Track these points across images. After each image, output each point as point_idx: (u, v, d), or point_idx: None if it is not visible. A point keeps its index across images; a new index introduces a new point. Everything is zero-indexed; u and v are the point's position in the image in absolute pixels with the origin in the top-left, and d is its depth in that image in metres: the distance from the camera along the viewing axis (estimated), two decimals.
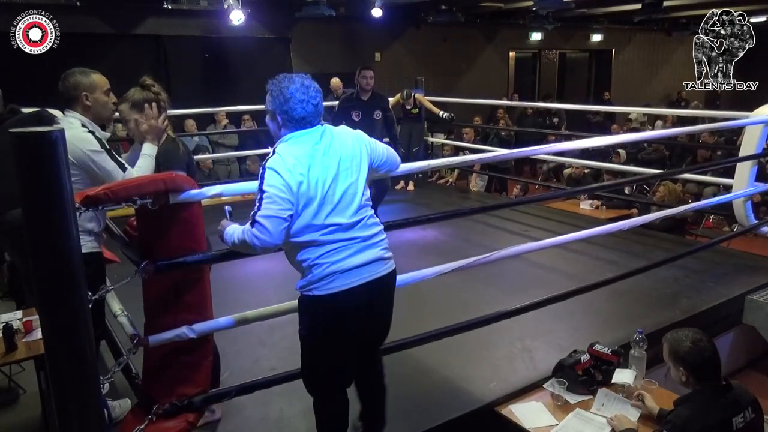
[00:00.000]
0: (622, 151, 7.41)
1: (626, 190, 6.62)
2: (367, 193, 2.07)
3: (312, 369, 2.12)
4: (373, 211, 2.09)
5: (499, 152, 5.44)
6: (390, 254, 2.10)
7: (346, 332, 2.05)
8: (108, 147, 2.34)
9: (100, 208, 1.85)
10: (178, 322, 2.10)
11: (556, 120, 11.45)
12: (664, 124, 10.12)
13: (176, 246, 2.05)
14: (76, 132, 2.28)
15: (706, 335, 2.26)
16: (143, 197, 1.90)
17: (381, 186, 4.87)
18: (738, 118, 4.48)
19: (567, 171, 8.23)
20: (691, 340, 2.21)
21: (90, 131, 2.33)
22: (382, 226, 2.11)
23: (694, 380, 2.21)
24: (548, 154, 6.65)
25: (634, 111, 10.35)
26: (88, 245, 2.38)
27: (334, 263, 1.95)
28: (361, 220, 2.01)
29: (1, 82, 4.91)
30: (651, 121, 10.32)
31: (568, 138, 7.95)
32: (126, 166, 2.36)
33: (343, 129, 2.10)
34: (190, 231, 2.08)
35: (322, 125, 2.03)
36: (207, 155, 7.45)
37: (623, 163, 7.11)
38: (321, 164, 1.94)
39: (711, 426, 2.10)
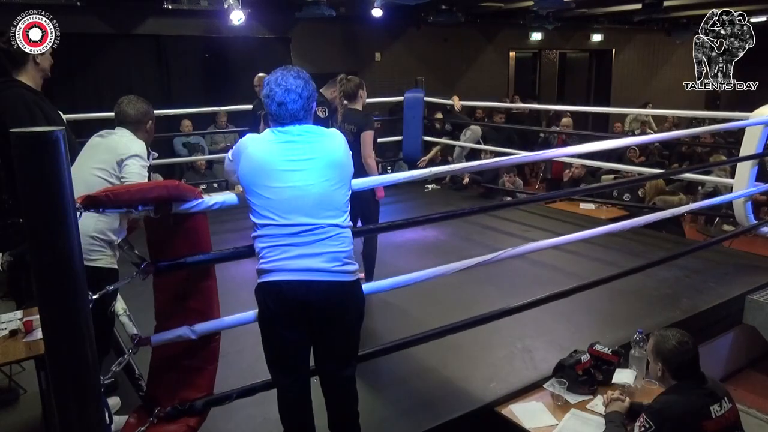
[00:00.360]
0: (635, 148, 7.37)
1: (625, 197, 6.60)
2: None
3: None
4: None
5: (519, 155, 5.36)
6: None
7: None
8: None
9: (101, 210, 1.84)
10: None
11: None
12: (671, 127, 10.18)
13: (185, 255, 2.06)
14: (137, 141, 2.59)
15: (691, 338, 2.33)
16: (146, 204, 1.89)
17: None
18: (738, 119, 4.48)
19: (566, 173, 8.20)
20: (677, 340, 2.29)
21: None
22: None
23: (670, 377, 2.29)
24: (566, 156, 6.50)
25: (632, 112, 10.38)
26: (108, 259, 2.44)
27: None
28: None
29: None
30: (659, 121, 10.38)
31: (583, 137, 7.93)
32: None
33: None
34: (196, 241, 2.08)
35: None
36: (202, 156, 7.50)
37: (630, 162, 7.09)
38: None
39: (689, 412, 2.17)
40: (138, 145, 2.58)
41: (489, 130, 8.45)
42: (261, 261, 2.06)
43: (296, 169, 2.01)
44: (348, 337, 2.15)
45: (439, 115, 8.14)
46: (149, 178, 2.65)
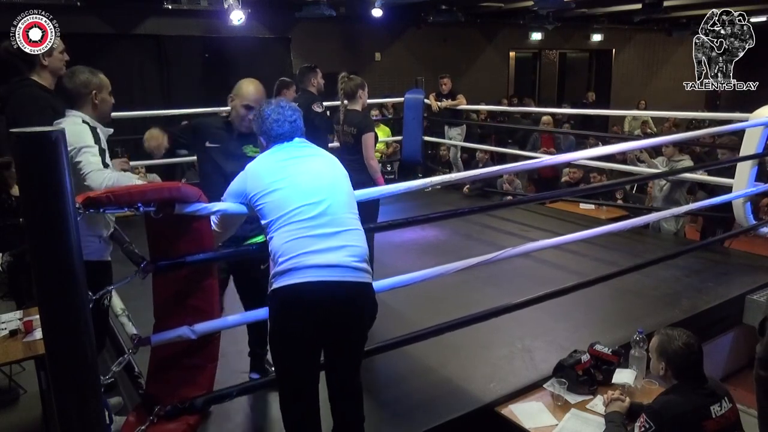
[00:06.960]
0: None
1: (618, 196, 6.58)
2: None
3: None
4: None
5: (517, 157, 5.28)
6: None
7: None
8: (104, 147, 2.37)
9: (101, 210, 1.84)
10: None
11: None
12: (671, 126, 10.19)
13: (186, 254, 2.05)
14: (71, 126, 2.30)
15: (697, 340, 2.33)
16: (147, 204, 1.89)
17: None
18: (738, 120, 4.48)
19: (564, 178, 8.18)
20: (684, 342, 2.28)
21: (91, 126, 2.37)
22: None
23: (673, 376, 2.30)
24: (584, 159, 6.41)
25: (629, 114, 10.37)
26: (99, 253, 2.41)
27: None
28: None
29: (2, 82, 4.91)
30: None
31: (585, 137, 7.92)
32: (104, 169, 2.32)
33: None
34: (199, 240, 2.07)
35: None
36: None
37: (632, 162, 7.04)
38: None
39: (689, 412, 2.17)
40: (74, 135, 2.23)
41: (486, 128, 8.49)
42: (279, 260, 1.95)
43: (307, 156, 2.16)
44: (362, 345, 2.15)
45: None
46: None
